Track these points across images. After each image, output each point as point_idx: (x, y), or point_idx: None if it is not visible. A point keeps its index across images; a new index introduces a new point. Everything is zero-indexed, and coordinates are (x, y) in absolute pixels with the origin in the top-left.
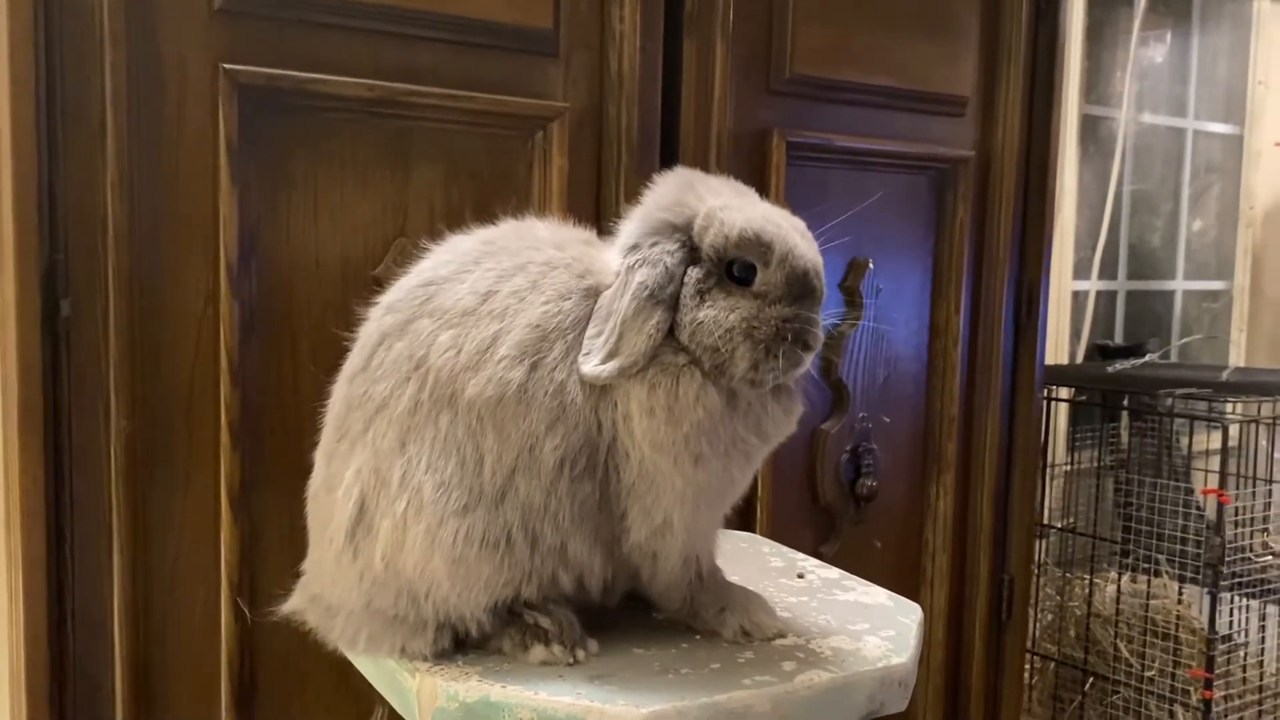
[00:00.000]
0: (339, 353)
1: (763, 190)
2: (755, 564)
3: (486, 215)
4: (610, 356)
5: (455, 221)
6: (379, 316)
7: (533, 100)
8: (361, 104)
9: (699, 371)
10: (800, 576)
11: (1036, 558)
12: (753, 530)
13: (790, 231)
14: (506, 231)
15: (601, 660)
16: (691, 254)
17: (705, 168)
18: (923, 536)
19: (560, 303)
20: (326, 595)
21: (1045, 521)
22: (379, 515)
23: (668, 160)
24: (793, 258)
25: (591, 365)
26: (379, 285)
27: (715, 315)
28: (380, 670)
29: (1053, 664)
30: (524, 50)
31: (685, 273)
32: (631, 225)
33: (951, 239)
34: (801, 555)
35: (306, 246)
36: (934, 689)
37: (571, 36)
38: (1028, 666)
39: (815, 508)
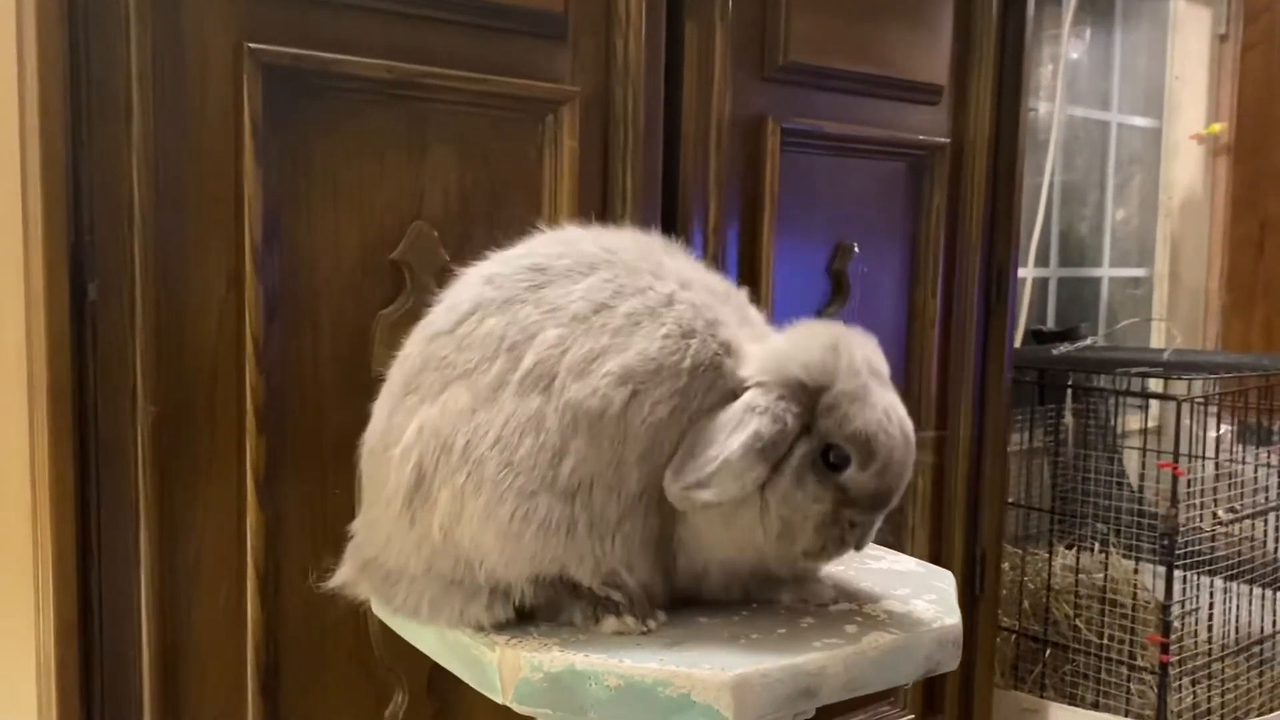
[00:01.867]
0: (360, 336)
1: (757, 178)
2: None
3: (500, 197)
4: (700, 486)
5: (469, 204)
6: (476, 283)
7: (545, 84)
8: (381, 85)
9: (759, 519)
10: None
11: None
12: None
13: (900, 443)
14: (629, 244)
15: (671, 629)
16: (806, 423)
17: (706, 154)
18: (903, 513)
19: (682, 340)
20: (384, 559)
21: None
22: (438, 484)
23: (670, 146)
24: (889, 474)
25: (679, 487)
26: (397, 268)
27: (802, 500)
28: (450, 648)
29: (1013, 636)
30: (534, 34)
31: (797, 441)
32: (768, 361)
33: (929, 224)
34: None
35: (326, 229)
36: None
37: (580, 21)
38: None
39: None
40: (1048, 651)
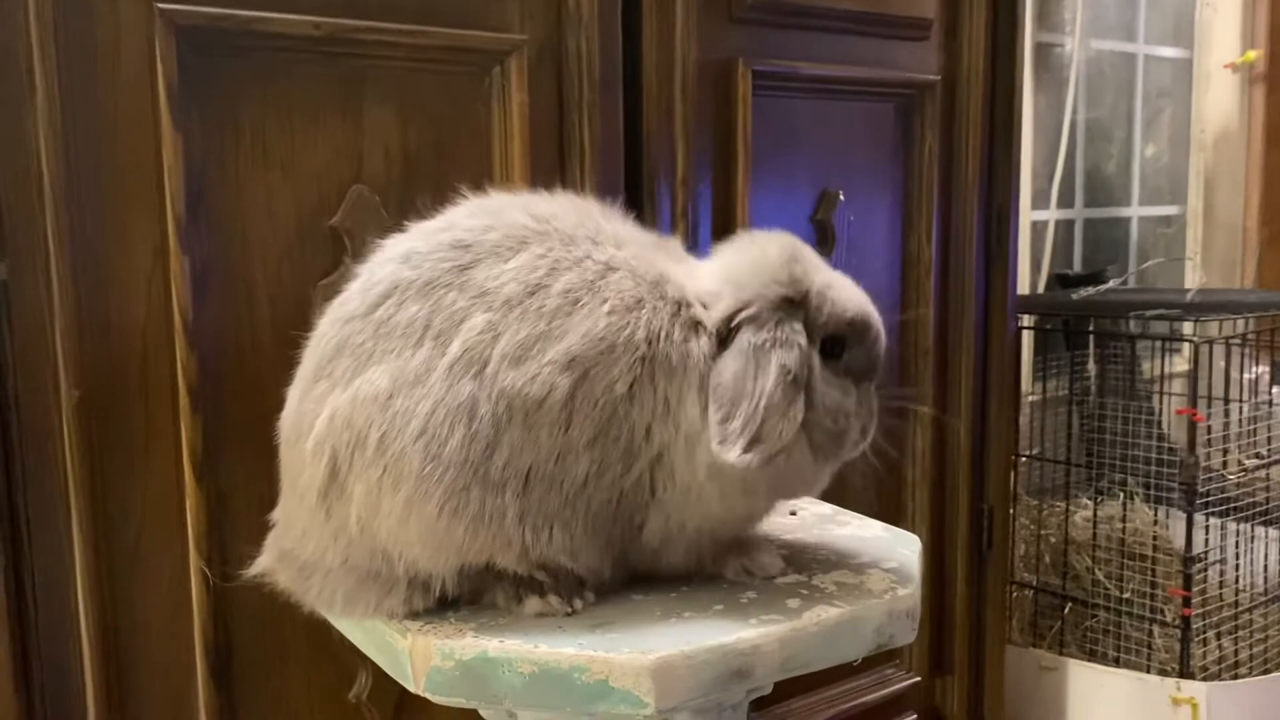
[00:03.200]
0: (299, 307)
1: (730, 123)
2: None
3: (447, 157)
4: (754, 443)
5: (413, 166)
6: (392, 262)
7: (488, 34)
8: (310, 43)
9: (807, 445)
10: (793, 514)
11: (1013, 488)
12: None
13: (871, 305)
14: (562, 210)
15: (600, 609)
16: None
17: (670, 102)
18: (901, 473)
19: (628, 314)
20: (299, 551)
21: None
22: (353, 478)
23: (631, 94)
24: (880, 341)
25: (735, 453)
26: (337, 235)
27: (840, 399)
28: (367, 633)
29: (1030, 591)
30: None
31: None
32: (738, 290)
33: (920, 167)
34: None
35: (258, 196)
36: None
37: None
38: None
39: None
40: (1067, 607)
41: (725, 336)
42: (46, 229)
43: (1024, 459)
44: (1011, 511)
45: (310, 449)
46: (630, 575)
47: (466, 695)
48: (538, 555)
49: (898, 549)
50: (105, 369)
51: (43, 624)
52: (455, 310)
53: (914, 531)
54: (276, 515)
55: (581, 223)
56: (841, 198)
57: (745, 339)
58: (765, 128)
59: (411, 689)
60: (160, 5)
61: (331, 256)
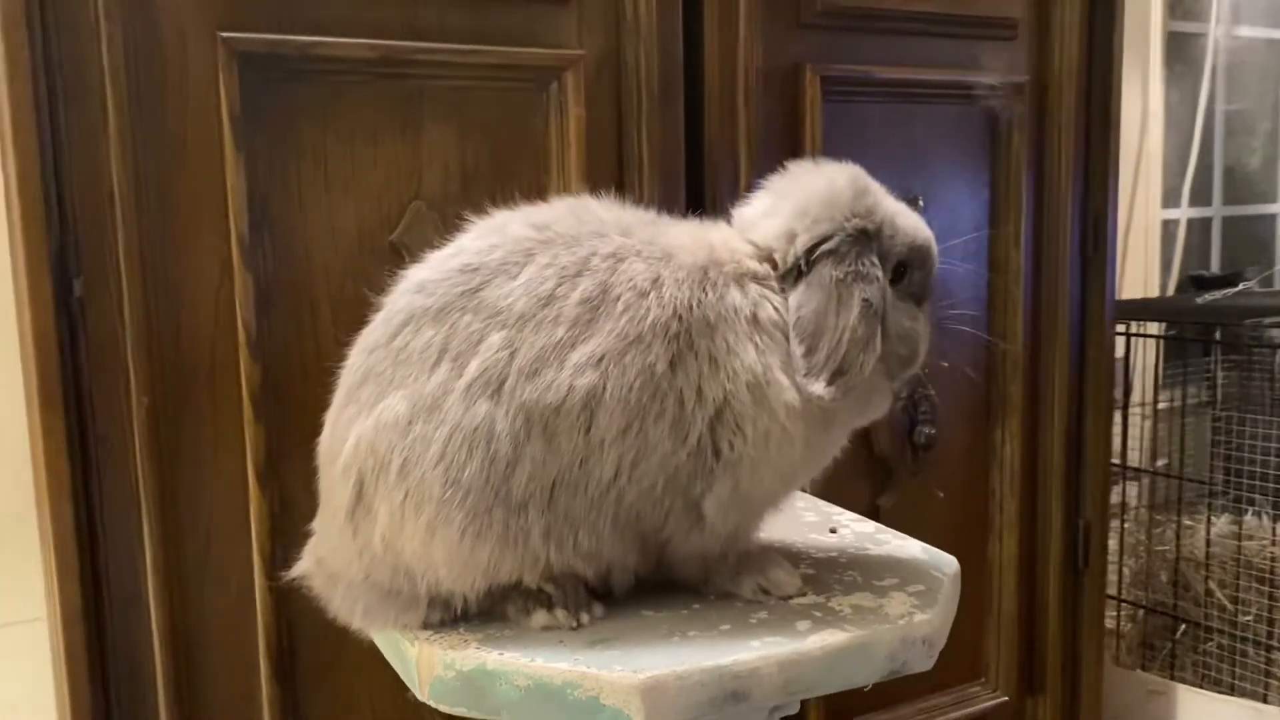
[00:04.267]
0: (362, 319)
1: (797, 129)
2: (787, 519)
3: (505, 172)
4: (838, 374)
5: (471, 181)
6: (408, 292)
7: (544, 50)
8: (366, 65)
9: (882, 370)
10: (833, 531)
11: (1122, 502)
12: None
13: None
14: (560, 214)
15: (607, 624)
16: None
17: (733, 110)
18: (988, 484)
19: (643, 300)
20: (329, 561)
21: (1137, 465)
22: (377, 499)
23: (693, 105)
24: (936, 263)
25: (821, 386)
26: (397, 250)
27: (909, 326)
28: (387, 640)
29: (1141, 611)
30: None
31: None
32: (814, 224)
33: (1008, 170)
34: (838, 509)
35: (320, 214)
36: (1005, 640)
37: None
38: (1115, 615)
39: (870, 458)
40: (1180, 630)
41: (804, 271)
42: (119, 248)
43: (1142, 472)
44: (1124, 526)
45: (339, 472)
46: (656, 566)
47: (467, 705)
48: (560, 566)
49: (931, 571)
50: (174, 379)
51: (116, 621)
52: (471, 332)
53: (1001, 545)
54: (314, 525)
55: (582, 221)
56: (920, 203)
57: (825, 273)
58: (838, 134)
59: (419, 696)
60: (223, 35)
61: (392, 271)
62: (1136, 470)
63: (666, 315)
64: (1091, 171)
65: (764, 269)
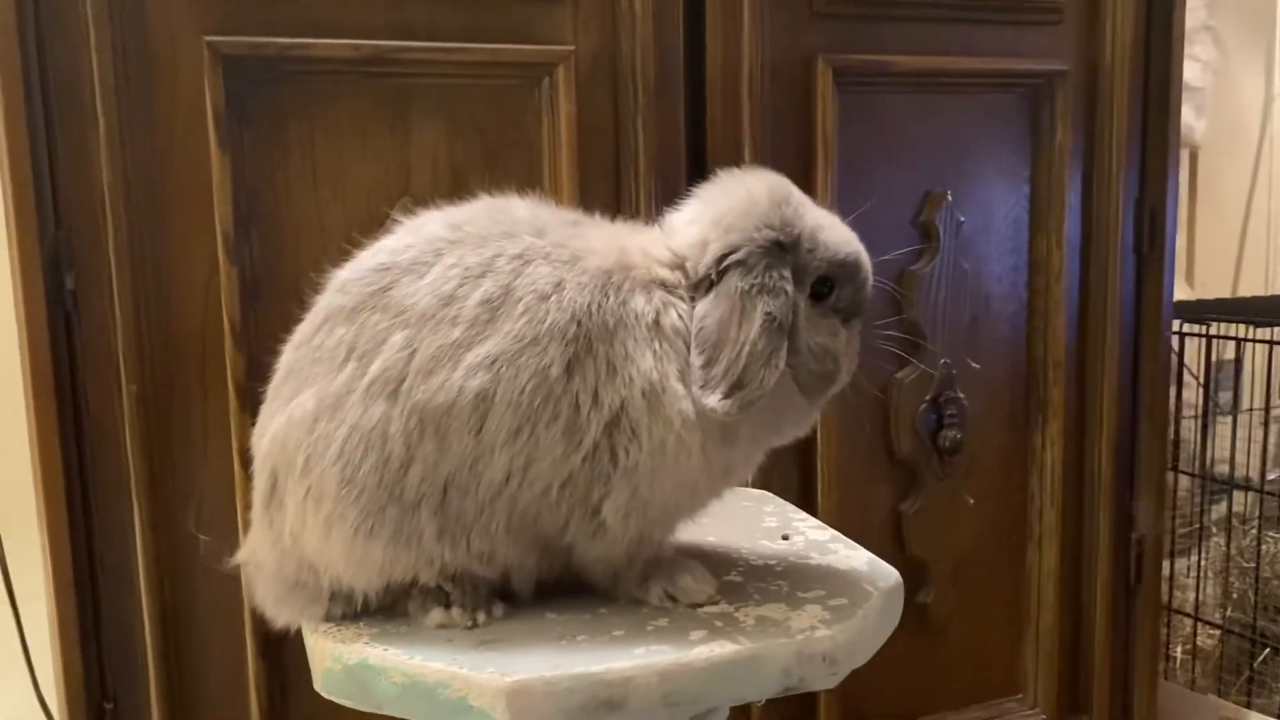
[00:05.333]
0: None
1: (809, 122)
2: (744, 523)
3: (496, 170)
4: (736, 389)
5: (461, 178)
6: (330, 291)
7: (534, 46)
8: (350, 65)
9: (791, 382)
10: (785, 538)
11: (1228, 515)
12: (814, 489)
13: (859, 244)
14: (478, 213)
15: (504, 625)
16: (795, 275)
17: (737, 104)
18: (1026, 491)
19: (543, 303)
20: (255, 551)
21: (1229, 478)
22: (287, 494)
23: (695, 100)
24: (868, 280)
25: (716, 399)
26: None
27: (825, 343)
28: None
29: (1219, 633)
30: None
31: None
32: (726, 234)
33: (1050, 164)
34: (805, 516)
35: (308, 211)
36: (1045, 656)
37: None
38: (1193, 635)
39: (891, 462)
40: (1262, 654)
41: (714, 282)
42: (109, 243)
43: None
44: (1203, 543)
45: (258, 465)
46: (564, 569)
47: (353, 699)
48: (455, 567)
49: (863, 585)
50: (164, 368)
51: (107, 598)
52: (378, 331)
53: (1040, 555)
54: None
55: (496, 221)
56: (949, 198)
57: (732, 284)
58: (855, 127)
59: (316, 686)
60: (207, 38)
61: None
62: (1219, 482)
63: (565, 319)
64: (1148, 163)
65: (675, 277)
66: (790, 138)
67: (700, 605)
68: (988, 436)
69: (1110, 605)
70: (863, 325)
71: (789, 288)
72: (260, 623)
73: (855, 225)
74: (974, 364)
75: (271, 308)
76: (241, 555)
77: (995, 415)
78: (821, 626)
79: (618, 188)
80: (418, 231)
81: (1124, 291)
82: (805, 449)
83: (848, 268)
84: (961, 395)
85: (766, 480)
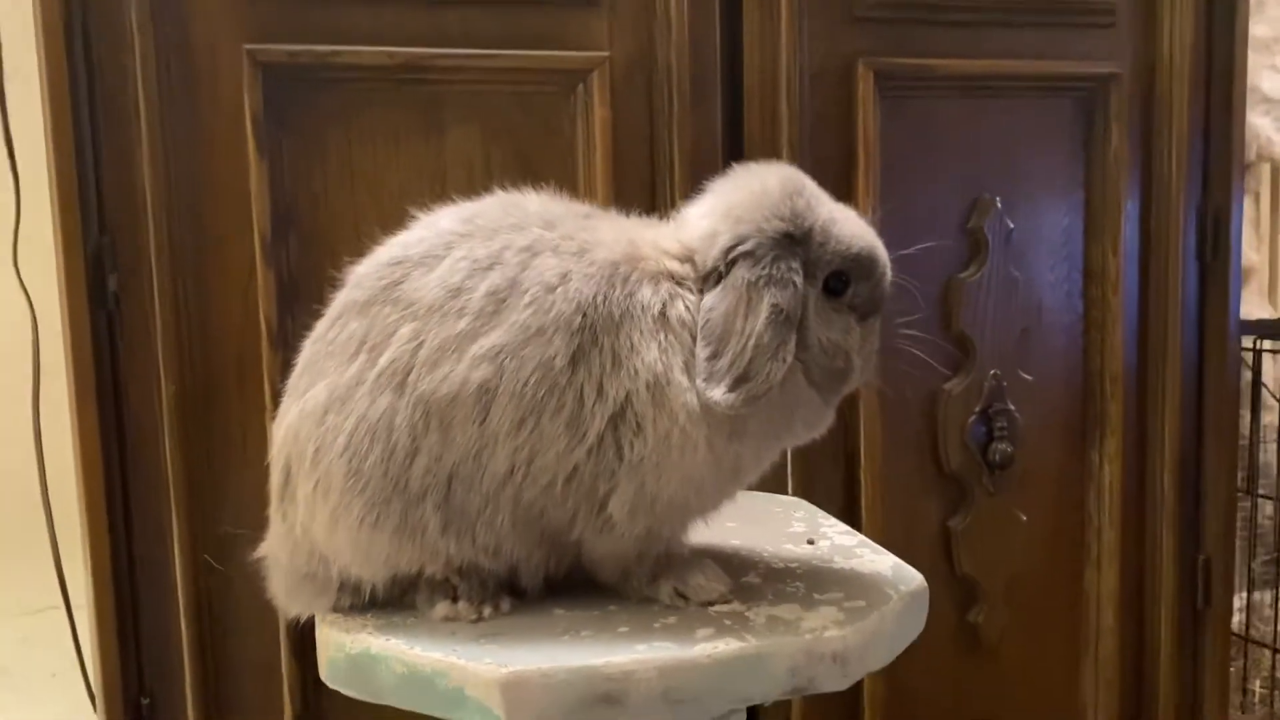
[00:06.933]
0: None
1: (850, 127)
2: (770, 528)
3: (530, 174)
4: (741, 382)
5: (496, 183)
6: (346, 288)
7: (568, 53)
8: (385, 72)
9: (803, 378)
10: (810, 543)
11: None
12: (857, 501)
13: (878, 240)
14: (490, 207)
15: (510, 619)
16: (806, 268)
17: (775, 109)
18: (1084, 509)
19: (550, 294)
20: (271, 544)
21: None
22: (297, 486)
23: (732, 106)
24: (885, 277)
25: (720, 392)
26: None
27: (837, 339)
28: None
29: None
30: (558, 2)
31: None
32: (735, 225)
33: (1105, 169)
34: (834, 522)
35: (345, 215)
36: (1104, 681)
37: None
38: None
39: (940, 475)
40: None
41: (723, 274)
42: (150, 246)
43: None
44: None
45: (273, 457)
46: (574, 564)
47: (355, 689)
48: (461, 560)
49: (883, 588)
50: (203, 370)
51: (145, 595)
52: (388, 324)
53: (1100, 577)
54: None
55: (507, 214)
56: (999, 204)
57: (739, 275)
58: (898, 132)
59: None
60: (247, 46)
61: None
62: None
63: (570, 310)
64: (1211, 168)
65: (684, 269)
66: (831, 143)
67: (712, 604)
68: (1041, 452)
69: (1176, 630)
70: (883, 323)
71: (798, 280)
72: (293, 623)
73: (903, 231)
74: (1026, 376)
75: (308, 310)
76: (261, 550)
77: (1049, 430)
78: (833, 627)
79: (653, 194)
80: (431, 226)
81: (1186, 302)
82: (849, 460)
83: (862, 262)
84: (1013, 407)
85: (807, 492)
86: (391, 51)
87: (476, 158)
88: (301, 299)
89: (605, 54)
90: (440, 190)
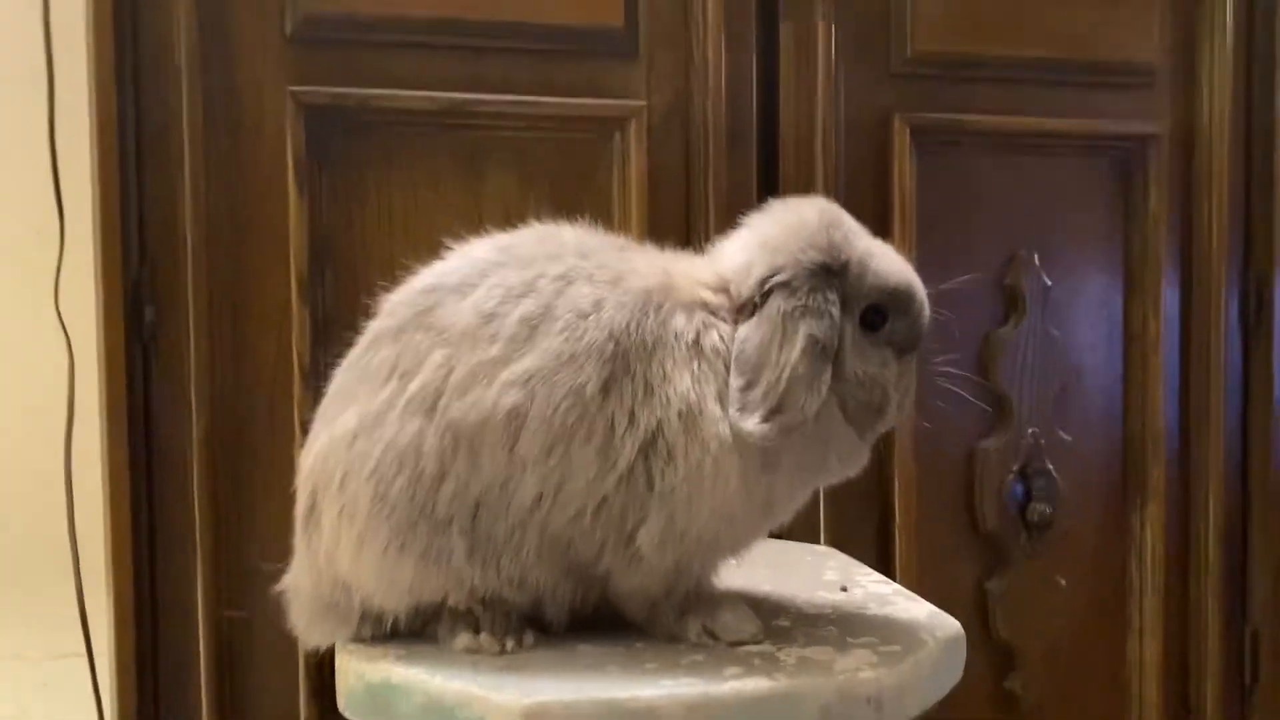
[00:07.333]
0: None
1: (886, 180)
2: (802, 575)
3: (566, 219)
4: (774, 413)
5: None
6: (380, 316)
7: (606, 101)
8: (427, 116)
9: (838, 412)
10: (844, 590)
11: None
12: (890, 558)
13: (916, 277)
14: (527, 238)
15: (533, 653)
16: (843, 301)
17: (810, 160)
18: (1125, 575)
19: (582, 321)
20: (295, 573)
21: None
22: (323, 511)
23: (767, 156)
24: (923, 313)
25: (753, 423)
26: None
27: (873, 373)
28: None
29: None
30: (597, 52)
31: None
32: (772, 256)
33: (1144, 230)
34: (869, 571)
35: (381, 256)
36: None
37: (651, 32)
38: None
39: (976, 536)
40: None
41: (758, 305)
42: (188, 279)
43: None
44: None
45: (301, 480)
46: (600, 600)
47: (374, 718)
48: (486, 590)
49: (919, 634)
50: (234, 404)
51: (165, 633)
52: (420, 350)
53: (1142, 647)
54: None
55: (542, 244)
56: (1036, 261)
57: (775, 305)
58: (934, 186)
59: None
60: (290, 88)
61: None
62: None
63: (603, 337)
64: (1253, 231)
65: (718, 299)
66: (867, 196)
67: (742, 644)
68: (1081, 514)
69: (1222, 706)
70: (920, 360)
71: (835, 312)
72: (314, 665)
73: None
74: (1064, 435)
75: (341, 350)
76: (283, 581)
77: (1089, 492)
78: (868, 669)
79: (688, 242)
80: (466, 255)
81: (1229, 366)
82: (882, 515)
83: (900, 297)
84: (1051, 467)
85: (840, 546)
86: (433, 96)
87: (514, 202)
88: (335, 338)
89: (642, 103)
90: (477, 234)
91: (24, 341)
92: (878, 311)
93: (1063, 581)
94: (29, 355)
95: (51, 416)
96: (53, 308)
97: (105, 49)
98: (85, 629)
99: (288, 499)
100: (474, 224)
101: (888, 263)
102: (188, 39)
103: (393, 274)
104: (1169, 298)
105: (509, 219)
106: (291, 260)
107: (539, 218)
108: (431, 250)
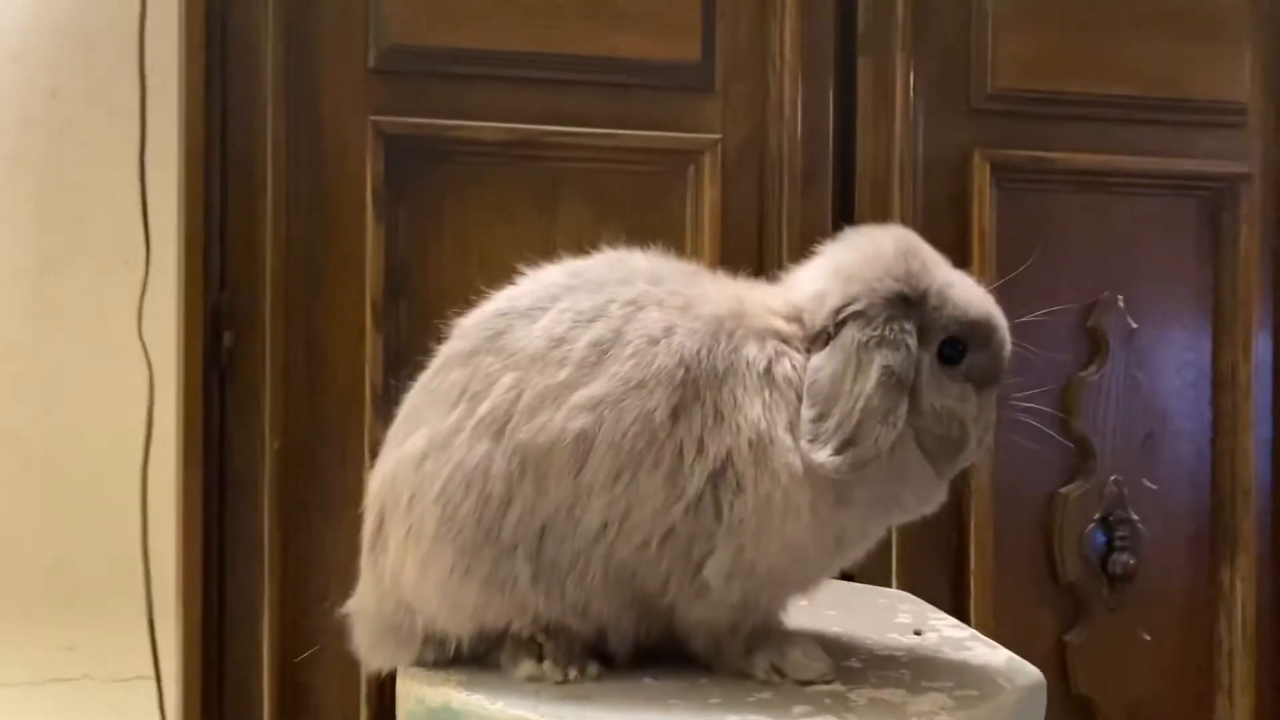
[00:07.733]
0: None
1: (965, 218)
2: (874, 617)
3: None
4: (847, 445)
5: None
6: (453, 338)
7: (680, 134)
8: (503, 147)
9: (915, 447)
10: (918, 633)
11: None
12: (965, 605)
13: (997, 308)
14: (598, 264)
15: (596, 684)
16: (920, 333)
17: (887, 197)
18: (1214, 633)
19: (652, 347)
20: (360, 595)
21: None
22: (389, 532)
23: (844, 193)
24: (1004, 346)
25: (825, 455)
26: None
27: (951, 406)
28: None
29: None
30: (674, 86)
31: (920, 356)
32: (847, 285)
33: (1234, 272)
34: (943, 615)
35: (455, 285)
36: None
37: (728, 67)
38: None
39: (1056, 586)
40: None
41: (832, 335)
42: (266, 305)
43: None
44: None
45: (368, 504)
46: (666, 634)
47: None
48: (550, 617)
49: (997, 679)
50: (307, 431)
51: (231, 656)
52: (490, 373)
53: (1233, 708)
54: None
55: (613, 270)
56: (1121, 304)
57: (849, 335)
58: (1015, 225)
59: None
60: (371, 117)
61: None
62: None
63: (673, 363)
64: None
65: (791, 328)
66: (946, 233)
67: (810, 683)
68: (1167, 567)
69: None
70: (1000, 396)
71: (911, 343)
72: (376, 689)
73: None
74: (1149, 484)
75: (413, 375)
76: (348, 604)
77: (1175, 543)
78: (943, 713)
79: (761, 276)
80: (537, 280)
81: None
82: (957, 562)
83: (979, 330)
84: (1135, 517)
85: (913, 592)
86: (510, 128)
87: (587, 234)
88: (408, 366)
89: (717, 137)
90: (550, 263)
91: (107, 365)
92: (956, 344)
93: (1146, 636)
94: (111, 379)
95: (130, 439)
96: (135, 332)
97: (195, 83)
98: (154, 651)
99: (356, 524)
100: (547, 255)
101: (967, 293)
102: (274, 71)
103: (466, 304)
104: (1260, 343)
105: (582, 251)
106: (367, 288)
107: (612, 248)
108: (504, 281)
